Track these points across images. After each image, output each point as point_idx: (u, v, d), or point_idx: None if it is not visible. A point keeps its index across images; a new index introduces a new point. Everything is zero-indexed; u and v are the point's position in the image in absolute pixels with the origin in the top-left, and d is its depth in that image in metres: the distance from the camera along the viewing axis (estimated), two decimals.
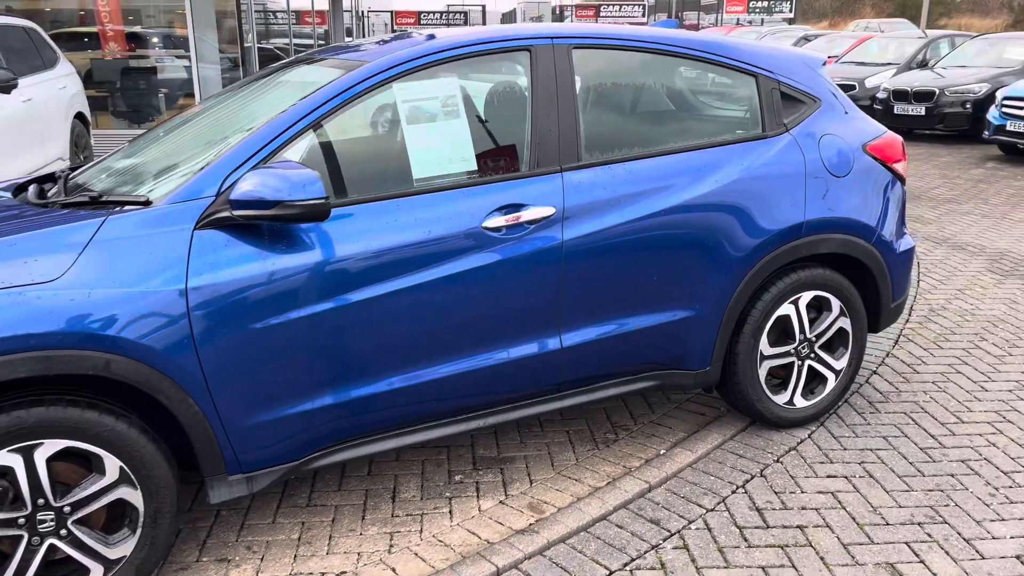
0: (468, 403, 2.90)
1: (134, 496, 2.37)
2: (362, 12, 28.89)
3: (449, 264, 2.69)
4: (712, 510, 2.99)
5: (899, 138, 3.66)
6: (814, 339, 3.46)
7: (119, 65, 11.80)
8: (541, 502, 3.06)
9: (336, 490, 3.16)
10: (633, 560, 2.72)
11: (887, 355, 4.38)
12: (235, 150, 2.52)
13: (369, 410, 2.71)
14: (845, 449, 3.41)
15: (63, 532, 2.32)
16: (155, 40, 11.94)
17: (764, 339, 3.35)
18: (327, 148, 2.77)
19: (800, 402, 3.53)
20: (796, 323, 3.40)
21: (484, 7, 34.72)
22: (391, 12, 28.79)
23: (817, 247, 3.34)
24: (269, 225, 2.46)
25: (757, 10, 33.75)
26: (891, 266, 3.55)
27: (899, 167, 3.59)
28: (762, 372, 3.39)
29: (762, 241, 3.20)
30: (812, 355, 3.49)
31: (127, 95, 11.84)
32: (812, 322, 3.45)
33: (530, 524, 2.91)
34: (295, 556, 2.77)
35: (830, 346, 3.57)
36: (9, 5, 11.11)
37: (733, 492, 3.10)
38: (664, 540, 2.82)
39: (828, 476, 3.21)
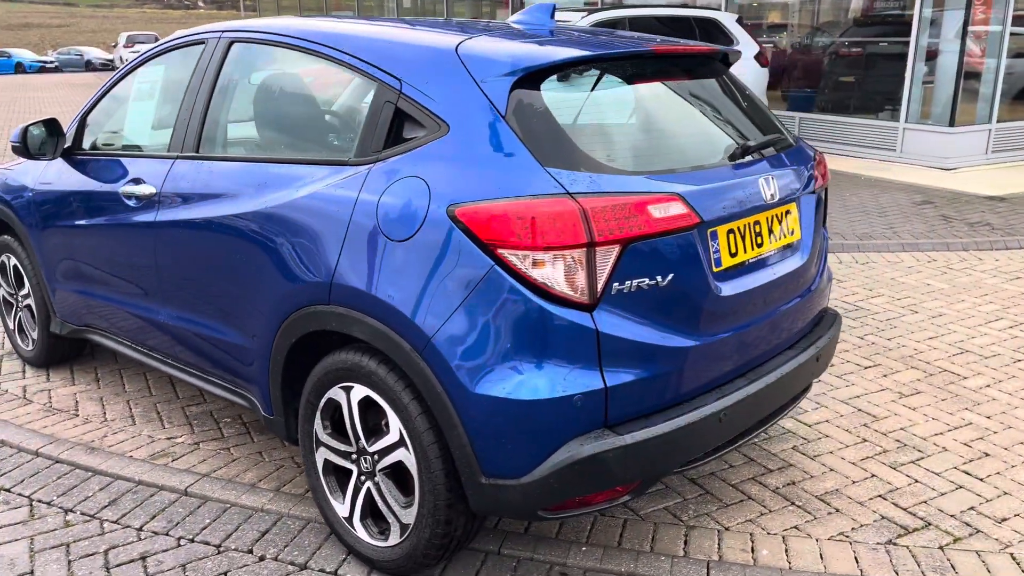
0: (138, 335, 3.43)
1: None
2: None
3: (110, 216, 3.31)
4: None
5: (559, 210, 2.03)
6: (375, 457, 2.46)
7: None
8: None
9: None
10: None
11: None
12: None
13: (98, 312, 3.59)
14: None
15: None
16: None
17: (319, 419, 2.61)
18: (105, 110, 3.62)
19: (360, 530, 2.57)
20: (347, 420, 2.51)
21: None
22: None
23: (349, 326, 2.37)
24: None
25: None
26: (464, 408, 2.14)
27: (518, 259, 2.04)
28: (319, 458, 2.66)
29: (290, 290, 2.54)
30: (374, 479, 2.48)
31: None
32: (376, 432, 2.46)
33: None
34: None
35: (403, 483, 2.44)
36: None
37: None
38: None
39: None
